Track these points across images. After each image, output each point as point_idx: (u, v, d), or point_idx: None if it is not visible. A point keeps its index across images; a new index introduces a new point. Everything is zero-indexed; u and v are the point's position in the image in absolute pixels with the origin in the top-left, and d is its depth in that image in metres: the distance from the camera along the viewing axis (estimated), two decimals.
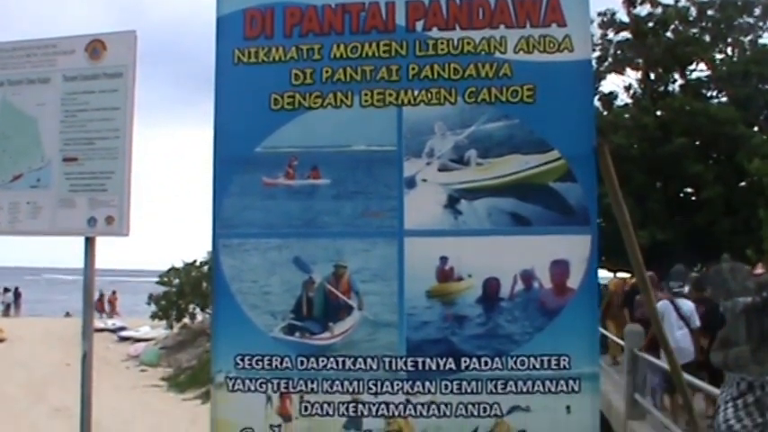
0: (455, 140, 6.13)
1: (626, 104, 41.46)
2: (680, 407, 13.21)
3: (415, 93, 6.16)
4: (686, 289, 13.87)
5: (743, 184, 33.51)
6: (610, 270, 33.89)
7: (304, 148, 6.24)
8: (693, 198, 35.74)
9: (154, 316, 44.31)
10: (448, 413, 5.98)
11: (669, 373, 11.79)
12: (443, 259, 6.03)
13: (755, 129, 36.83)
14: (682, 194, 36.28)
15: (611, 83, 41.78)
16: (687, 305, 13.14)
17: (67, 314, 58.19)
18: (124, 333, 47.04)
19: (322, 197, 6.20)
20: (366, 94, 6.20)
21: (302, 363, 6.13)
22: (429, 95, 6.14)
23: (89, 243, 6.54)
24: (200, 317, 42.41)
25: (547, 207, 6.04)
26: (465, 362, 5.99)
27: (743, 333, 5.75)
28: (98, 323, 42.51)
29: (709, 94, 40.59)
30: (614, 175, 5.84)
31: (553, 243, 6.01)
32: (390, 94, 6.17)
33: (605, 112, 39.64)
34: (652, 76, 41.53)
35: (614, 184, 5.83)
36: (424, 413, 6.01)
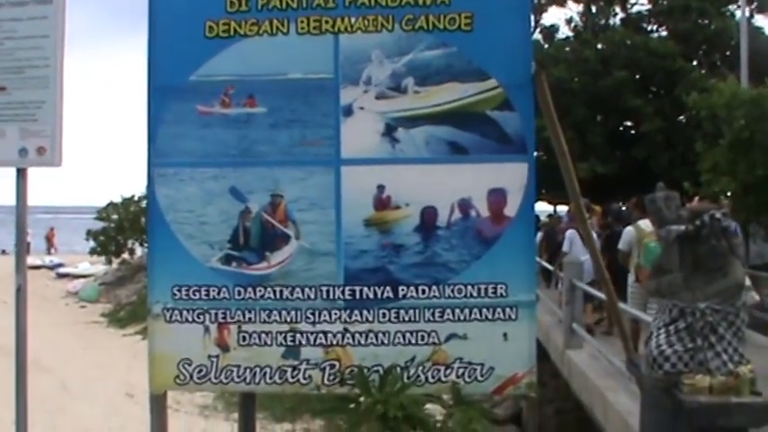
0: (392, 68, 6.09)
1: (567, 38, 41.41)
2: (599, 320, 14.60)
3: (352, 20, 6.08)
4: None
5: (681, 118, 33.78)
6: (550, 203, 34.22)
7: (240, 77, 6.16)
8: (633, 131, 36.00)
9: (92, 252, 43.85)
10: (386, 341, 6.02)
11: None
12: (381, 188, 6.02)
13: (694, 63, 37.10)
14: (621, 128, 36.47)
15: (553, 15, 41.80)
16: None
17: (3, 252, 57.42)
18: (62, 270, 46.46)
19: (258, 126, 6.14)
20: (302, 22, 6.10)
21: (240, 293, 6.11)
22: (366, 23, 6.07)
23: (20, 174, 6.40)
24: (139, 252, 41.98)
25: (484, 135, 6.03)
26: (402, 290, 6.01)
27: (676, 261, 5.80)
28: (36, 260, 42.02)
29: (649, 28, 40.75)
30: (551, 104, 5.83)
31: (490, 171, 6.01)
32: (327, 22, 6.09)
33: (546, 45, 39.67)
34: (593, 9, 41.55)
35: (551, 112, 5.83)
36: (362, 342, 6.03)
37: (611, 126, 35.61)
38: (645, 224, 11.43)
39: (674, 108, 33.28)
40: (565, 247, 15.03)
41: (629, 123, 36.33)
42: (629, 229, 11.95)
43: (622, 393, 9.42)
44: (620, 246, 11.97)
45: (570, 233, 15.20)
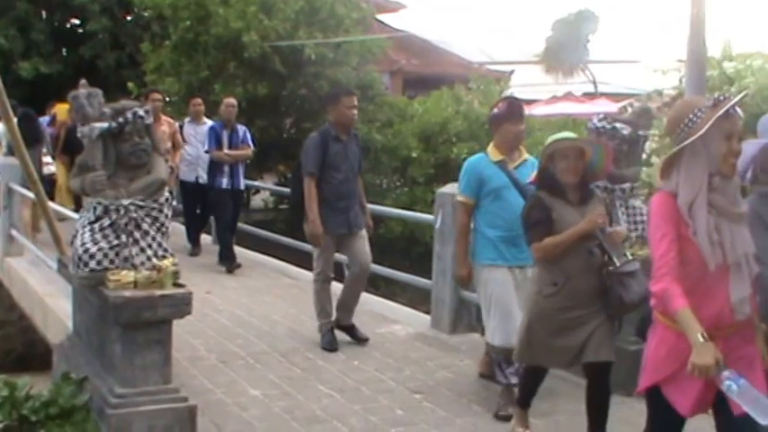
0: None
1: None
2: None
3: None
4: None
5: (129, 18, 33.59)
6: None
7: None
8: (81, 30, 35.19)
9: None
10: None
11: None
12: None
13: None
14: (68, 26, 35.53)
15: None
16: None
17: None
18: None
19: None
20: None
21: None
22: None
23: None
24: None
25: None
26: None
27: (99, 158, 5.84)
28: None
29: None
30: None
31: None
32: None
33: None
34: None
35: None
36: None
37: (57, 23, 34.50)
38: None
39: (121, 7, 32.99)
40: None
41: (76, 21, 35.40)
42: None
43: (62, 298, 9.32)
44: None
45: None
